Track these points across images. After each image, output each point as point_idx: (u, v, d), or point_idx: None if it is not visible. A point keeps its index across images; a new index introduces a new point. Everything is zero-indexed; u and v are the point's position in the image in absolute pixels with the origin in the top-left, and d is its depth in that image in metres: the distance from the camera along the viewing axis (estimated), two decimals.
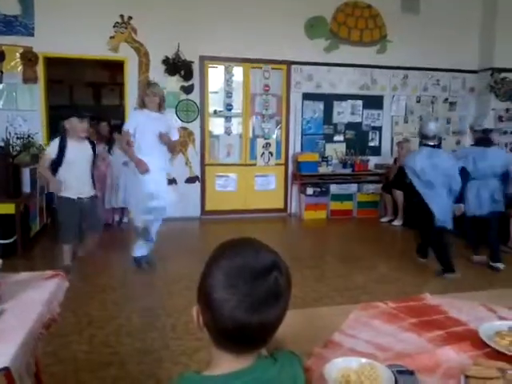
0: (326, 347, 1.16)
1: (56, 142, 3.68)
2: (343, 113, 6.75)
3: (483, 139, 4.37)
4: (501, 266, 4.24)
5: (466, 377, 0.97)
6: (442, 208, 3.91)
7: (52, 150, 3.68)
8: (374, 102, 6.92)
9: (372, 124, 6.99)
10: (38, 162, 3.46)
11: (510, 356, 1.07)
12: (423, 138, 4.18)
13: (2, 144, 4.97)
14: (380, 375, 0.95)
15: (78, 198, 3.72)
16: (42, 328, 1.30)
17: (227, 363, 0.83)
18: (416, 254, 4.46)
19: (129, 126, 3.98)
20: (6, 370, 0.95)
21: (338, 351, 1.13)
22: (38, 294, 1.42)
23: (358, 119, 6.81)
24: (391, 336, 1.22)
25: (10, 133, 4.90)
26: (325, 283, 3.87)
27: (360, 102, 6.89)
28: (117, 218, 6.01)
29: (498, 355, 1.09)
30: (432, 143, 4.11)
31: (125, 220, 5.93)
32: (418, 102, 7.15)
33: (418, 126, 5.55)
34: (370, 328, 1.27)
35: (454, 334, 1.23)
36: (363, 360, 1.01)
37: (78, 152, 3.73)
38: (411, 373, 0.97)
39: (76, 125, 3.70)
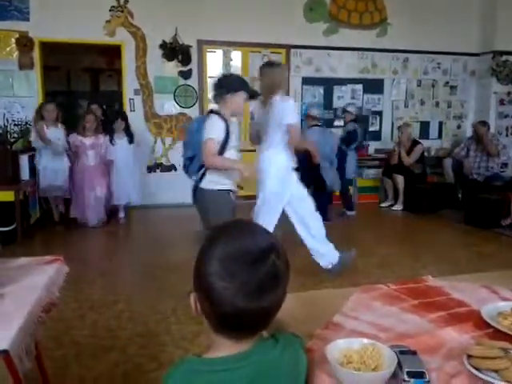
0: (327, 329, 1.15)
1: (221, 124, 2.67)
2: (343, 97, 6.70)
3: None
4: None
5: (469, 356, 0.96)
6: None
7: (220, 133, 2.68)
8: (374, 86, 6.86)
9: (372, 108, 6.93)
10: (204, 150, 2.60)
11: None
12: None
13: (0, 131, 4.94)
14: (382, 355, 0.94)
15: (233, 192, 2.88)
16: (42, 312, 1.30)
17: (227, 347, 0.82)
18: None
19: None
20: (5, 352, 0.94)
21: (340, 332, 1.12)
22: (37, 279, 1.42)
23: (358, 104, 6.74)
24: (393, 317, 1.21)
25: (7, 119, 4.87)
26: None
27: (360, 87, 6.83)
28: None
29: (500, 335, 1.08)
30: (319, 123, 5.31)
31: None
32: (419, 85, 7.09)
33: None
34: (371, 309, 1.26)
35: (456, 315, 1.22)
36: (365, 340, 1.00)
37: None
38: (413, 353, 0.96)
39: (240, 103, 2.84)
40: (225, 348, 0.83)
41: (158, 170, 6.24)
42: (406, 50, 6.85)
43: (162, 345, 2.47)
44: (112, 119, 5.50)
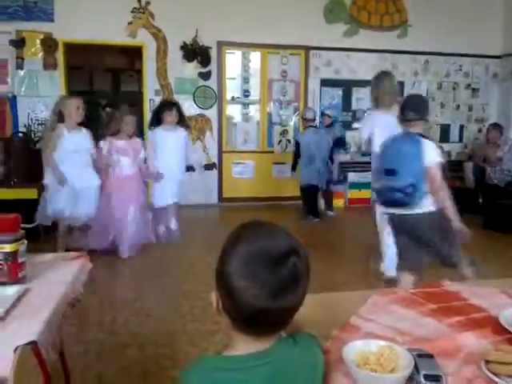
0: (344, 330, 1.17)
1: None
2: (363, 99, 6.65)
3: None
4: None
5: (487, 362, 0.97)
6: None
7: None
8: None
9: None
10: (435, 175, 2.50)
11: None
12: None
13: (24, 130, 5.07)
14: (399, 358, 0.95)
15: None
16: (67, 307, 1.34)
17: (247, 345, 0.84)
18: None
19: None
20: (34, 343, 0.98)
21: (356, 334, 1.13)
22: (61, 274, 1.46)
23: None
24: (410, 321, 1.22)
25: (31, 119, 4.99)
26: (343, 270, 3.86)
27: None
28: None
29: None
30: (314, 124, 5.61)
31: None
32: (440, 88, 7.01)
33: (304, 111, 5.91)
34: (388, 312, 1.27)
35: (475, 320, 1.22)
36: (382, 343, 1.01)
37: None
38: (431, 356, 0.97)
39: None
40: (244, 346, 0.84)
41: None
42: (427, 52, 6.78)
43: (178, 343, 2.51)
44: (158, 110, 4.55)
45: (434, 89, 6.99)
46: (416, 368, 0.92)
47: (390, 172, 2.56)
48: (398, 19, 6.69)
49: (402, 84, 6.83)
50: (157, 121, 4.45)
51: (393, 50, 6.68)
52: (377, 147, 3.13)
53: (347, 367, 0.94)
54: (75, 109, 3.82)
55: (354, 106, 6.76)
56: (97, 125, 4.52)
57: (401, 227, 2.69)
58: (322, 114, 6.07)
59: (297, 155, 5.56)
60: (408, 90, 6.87)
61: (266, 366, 0.82)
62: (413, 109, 2.61)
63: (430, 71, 6.91)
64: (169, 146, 4.36)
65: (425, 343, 1.08)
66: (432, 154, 2.53)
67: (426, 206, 2.57)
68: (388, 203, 2.66)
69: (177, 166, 4.52)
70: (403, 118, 2.64)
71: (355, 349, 0.98)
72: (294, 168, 5.68)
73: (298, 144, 5.55)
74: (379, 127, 3.31)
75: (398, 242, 2.80)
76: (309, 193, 5.60)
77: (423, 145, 2.52)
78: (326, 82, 6.59)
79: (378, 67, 6.70)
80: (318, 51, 6.51)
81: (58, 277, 1.44)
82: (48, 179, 3.86)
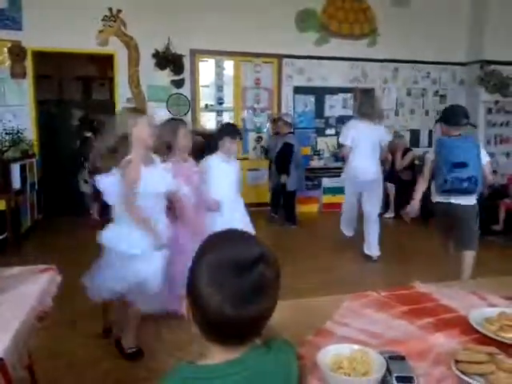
0: (319, 335, 1.17)
1: None
2: (335, 106, 6.77)
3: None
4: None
5: (456, 361, 0.99)
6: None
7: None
8: (365, 95, 6.93)
9: None
10: (489, 170, 3.21)
11: (499, 341, 1.09)
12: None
13: None
14: (372, 361, 0.96)
15: None
16: (35, 320, 1.30)
17: (220, 354, 0.83)
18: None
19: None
20: (0, 361, 0.95)
21: (331, 339, 1.14)
22: (30, 288, 1.42)
23: (349, 112, 6.81)
24: (382, 324, 1.24)
25: None
26: (317, 275, 3.89)
27: (351, 96, 6.90)
28: None
29: (487, 341, 1.11)
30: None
31: None
32: (409, 94, 7.19)
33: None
34: (361, 316, 1.28)
35: (445, 321, 1.25)
36: (355, 347, 1.02)
37: None
38: (402, 358, 0.98)
39: None
40: (218, 355, 0.84)
41: None
42: (396, 60, 6.96)
43: (154, 353, 2.47)
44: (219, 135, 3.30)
45: (403, 95, 7.16)
46: (388, 370, 0.93)
47: (461, 165, 3.06)
48: (368, 28, 6.84)
49: (372, 91, 6.99)
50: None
51: (363, 58, 6.82)
52: (360, 151, 4.12)
53: (321, 372, 0.94)
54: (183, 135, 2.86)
55: (326, 113, 6.85)
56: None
57: (449, 213, 3.24)
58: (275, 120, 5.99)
59: (288, 160, 5.50)
60: (378, 97, 7.02)
61: (241, 374, 0.81)
62: (465, 116, 3.22)
63: (398, 78, 7.08)
64: (226, 178, 3.30)
65: (397, 345, 1.10)
66: (485, 154, 3.15)
67: (475, 197, 3.17)
68: (454, 192, 3.11)
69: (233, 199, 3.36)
70: (457, 123, 3.17)
71: (329, 353, 0.99)
72: (288, 173, 5.53)
73: (292, 147, 5.48)
74: (363, 134, 4.10)
75: (440, 225, 3.54)
76: (291, 197, 5.61)
77: (480, 145, 3.18)
78: (298, 90, 6.66)
79: (348, 75, 6.85)
80: (290, 59, 6.58)
81: (26, 290, 1.40)
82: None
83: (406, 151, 6.28)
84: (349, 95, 6.89)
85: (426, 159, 3.41)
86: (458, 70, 7.30)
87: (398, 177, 6.11)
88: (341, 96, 6.88)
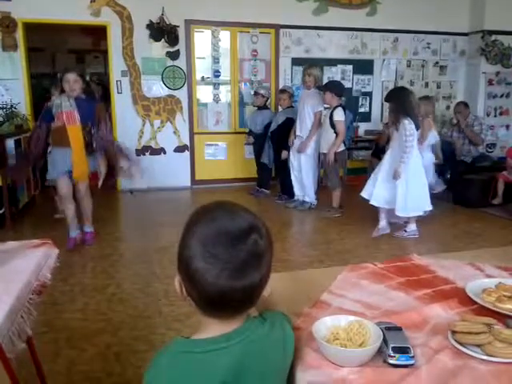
0: (315, 307, 1.17)
1: None
2: (333, 78, 6.64)
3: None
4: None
5: (453, 332, 0.99)
6: None
7: None
8: (364, 67, 6.82)
9: (362, 89, 6.91)
10: None
11: (496, 312, 1.09)
12: None
13: None
14: (368, 332, 0.96)
15: None
16: (32, 294, 1.29)
17: (216, 327, 0.83)
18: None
19: None
20: None
21: (327, 310, 1.14)
22: (25, 262, 1.41)
23: (348, 85, 6.70)
24: (379, 295, 1.23)
25: None
26: (315, 248, 3.91)
27: (350, 67, 6.79)
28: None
29: (484, 311, 1.11)
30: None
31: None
32: (409, 66, 7.06)
33: None
34: (358, 288, 1.28)
35: (442, 292, 1.25)
36: (351, 318, 1.01)
37: None
38: (399, 329, 0.98)
39: None
40: (213, 329, 0.83)
41: (147, 154, 6.18)
42: (396, 30, 6.80)
43: (153, 327, 2.49)
44: None
45: (403, 67, 7.04)
46: (385, 341, 0.93)
47: None
48: None
49: (371, 62, 6.86)
50: None
51: (362, 28, 6.66)
52: None
53: (318, 343, 0.94)
54: None
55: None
56: None
57: None
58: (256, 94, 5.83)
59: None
60: (377, 69, 6.91)
61: (236, 345, 0.81)
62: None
63: (398, 49, 6.94)
64: None
65: (393, 316, 1.10)
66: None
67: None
68: None
69: None
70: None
71: (325, 325, 0.99)
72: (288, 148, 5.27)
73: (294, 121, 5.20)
74: None
75: None
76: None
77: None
78: (296, 61, 6.53)
79: (347, 46, 6.71)
80: (288, 30, 6.43)
81: (21, 265, 1.38)
82: None
83: None
84: (348, 67, 6.77)
85: None
86: (459, 41, 7.16)
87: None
88: (340, 67, 6.76)
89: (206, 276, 0.77)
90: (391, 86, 6.97)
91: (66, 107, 3.49)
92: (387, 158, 4.10)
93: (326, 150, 4.76)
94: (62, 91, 3.56)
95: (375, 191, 4.05)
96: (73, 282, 3.10)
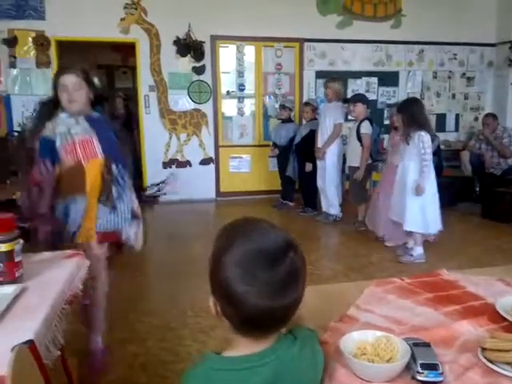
0: (342, 321, 1.17)
1: None
2: (358, 90, 6.63)
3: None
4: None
5: (483, 349, 0.97)
6: None
7: None
8: (389, 79, 6.79)
9: (387, 101, 6.87)
10: None
11: None
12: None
13: (19, 129, 5.05)
14: (396, 347, 0.95)
15: None
16: (65, 304, 1.34)
17: (248, 345, 0.83)
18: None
19: None
20: (31, 342, 0.98)
21: (354, 325, 1.14)
22: (58, 272, 1.46)
23: (373, 96, 6.68)
24: (407, 310, 1.22)
25: (26, 118, 4.97)
26: (340, 261, 3.88)
27: (375, 79, 6.77)
28: None
29: None
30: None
31: None
32: (435, 77, 6.99)
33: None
34: (385, 303, 1.27)
35: (471, 309, 1.23)
36: (379, 333, 1.01)
37: None
38: (427, 345, 0.98)
39: None
40: (245, 346, 0.83)
41: (173, 166, 6.29)
42: (422, 42, 6.76)
43: (180, 338, 2.52)
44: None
45: (429, 78, 6.97)
46: (413, 357, 0.92)
47: None
48: (392, 9, 6.66)
49: (396, 74, 6.83)
50: None
51: (387, 41, 6.65)
52: None
53: (345, 358, 0.94)
54: None
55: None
56: None
57: None
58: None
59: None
60: (403, 80, 6.87)
61: (269, 364, 0.81)
62: None
63: (424, 61, 6.89)
64: None
65: (422, 332, 1.09)
66: None
67: None
68: None
69: None
70: None
71: (352, 339, 0.99)
72: (314, 161, 5.29)
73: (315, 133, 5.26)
74: None
75: None
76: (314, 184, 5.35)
77: None
78: (320, 74, 6.56)
79: (372, 58, 6.70)
80: (312, 43, 6.48)
81: (55, 275, 1.44)
82: None
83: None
84: (372, 79, 6.76)
85: None
86: (487, 51, 7.05)
87: None
88: (364, 80, 6.75)
89: (247, 297, 0.77)
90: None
91: (78, 133, 2.12)
92: (399, 175, 3.82)
93: (353, 163, 4.74)
94: (55, 105, 2.14)
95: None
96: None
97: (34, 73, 5.71)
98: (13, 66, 5.62)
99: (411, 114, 3.72)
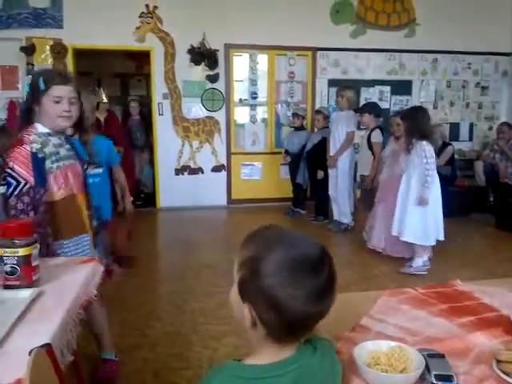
0: (355, 331, 1.17)
1: None
2: (370, 99, 6.62)
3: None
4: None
5: (498, 361, 0.96)
6: None
7: None
8: (402, 88, 6.77)
9: (400, 110, 6.84)
10: None
11: None
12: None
13: None
14: (410, 358, 0.95)
15: None
16: (80, 308, 1.36)
17: (272, 353, 0.83)
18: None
19: None
20: (48, 346, 1.00)
21: (367, 335, 1.14)
22: (74, 277, 1.48)
23: (385, 105, 6.66)
24: (420, 321, 1.22)
25: None
26: (351, 270, 3.85)
27: (388, 88, 6.76)
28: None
29: None
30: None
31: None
32: (449, 86, 6.96)
33: None
34: (398, 313, 1.27)
35: (486, 320, 1.22)
36: (393, 343, 1.01)
37: None
38: (442, 356, 0.97)
39: None
40: (268, 355, 0.83)
41: (185, 173, 6.33)
42: (435, 51, 6.74)
43: (190, 344, 2.52)
44: None
45: (442, 87, 6.94)
46: (427, 368, 0.92)
47: None
48: (406, 18, 6.66)
49: (409, 83, 6.81)
50: None
51: (400, 50, 6.64)
52: None
53: (358, 367, 0.94)
54: None
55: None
56: None
57: None
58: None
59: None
60: (416, 89, 6.84)
61: (291, 373, 0.81)
62: None
63: (438, 70, 6.86)
64: None
65: (436, 343, 1.08)
66: None
67: None
68: None
69: None
70: None
71: (366, 349, 0.99)
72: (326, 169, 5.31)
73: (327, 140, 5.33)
74: None
75: None
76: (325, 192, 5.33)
77: None
78: (333, 83, 6.56)
79: (385, 67, 6.70)
80: (325, 52, 6.50)
81: (70, 279, 1.46)
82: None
83: (444, 145, 6.00)
84: (385, 88, 6.75)
85: None
86: (502, 61, 7.00)
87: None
88: (377, 88, 6.74)
89: (290, 302, 0.77)
90: (430, 107, 6.89)
91: (67, 158, 1.82)
92: (402, 186, 3.74)
93: (364, 172, 4.73)
94: (27, 119, 1.78)
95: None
96: (111, 296, 3.19)
97: None
98: (30, 73, 5.72)
99: (415, 122, 3.63)
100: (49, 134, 1.77)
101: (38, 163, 1.68)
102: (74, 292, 1.36)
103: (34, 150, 1.69)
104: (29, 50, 5.68)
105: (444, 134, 6.25)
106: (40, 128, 1.75)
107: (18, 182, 1.65)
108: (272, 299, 0.77)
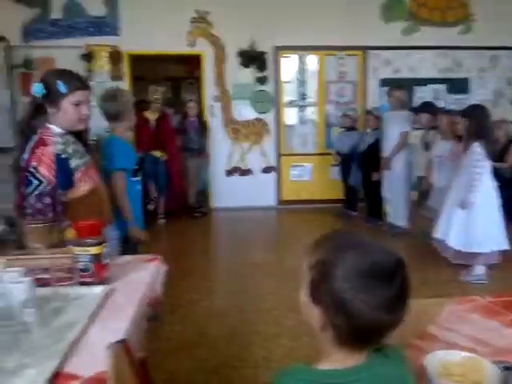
0: (421, 339, 1.15)
1: None
2: (425, 98, 6.41)
3: None
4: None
5: None
6: None
7: None
8: (458, 86, 6.51)
9: (458, 109, 6.57)
10: None
11: None
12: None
13: (95, 138, 5.37)
14: (484, 369, 0.92)
15: None
16: (147, 306, 1.42)
17: (342, 359, 0.82)
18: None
19: None
20: (124, 341, 1.05)
21: (435, 344, 1.11)
22: (141, 275, 1.55)
23: (441, 105, 6.41)
24: (492, 331, 1.18)
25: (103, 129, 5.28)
26: (411, 276, 3.73)
27: (443, 87, 6.52)
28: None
29: None
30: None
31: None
32: (509, 84, 6.61)
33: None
34: (467, 322, 1.23)
35: None
36: (464, 353, 0.98)
37: None
38: None
39: None
40: (338, 360, 0.83)
41: (235, 174, 6.42)
42: (494, 47, 6.42)
43: (247, 344, 2.56)
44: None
45: (502, 85, 6.60)
46: (505, 382, 0.89)
47: None
48: (461, 13, 6.40)
49: (466, 81, 6.54)
50: None
51: (456, 46, 6.39)
52: None
53: (428, 376, 0.93)
54: None
55: (415, 106, 6.51)
56: None
57: None
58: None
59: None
60: (474, 87, 6.55)
61: (362, 381, 0.80)
62: None
63: (498, 66, 6.53)
64: None
65: (508, 355, 1.04)
66: None
67: None
68: None
69: None
70: None
71: (437, 358, 0.97)
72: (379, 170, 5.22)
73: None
74: None
75: None
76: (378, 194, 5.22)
77: None
78: (385, 82, 6.41)
79: (439, 65, 6.47)
80: (376, 51, 6.37)
81: (138, 277, 1.53)
82: None
83: (509, 143, 5.54)
84: (440, 86, 6.51)
85: None
86: None
87: (496, 172, 5.49)
88: (431, 87, 6.52)
89: (362, 308, 0.77)
90: (489, 105, 6.55)
91: (86, 153, 1.94)
92: (454, 186, 3.65)
93: (421, 173, 4.59)
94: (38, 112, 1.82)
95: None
96: (171, 295, 3.28)
97: (108, 86, 6.06)
98: (90, 79, 6.00)
99: (475, 121, 3.50)
100: (65, 134, 1.83)
101: (62, 165, 1.75)
102: (141, 290, 1.43)
103: (58, 152, 1.76)
104: (88, 57, 5.97)
105: (509, 131, 5.82)
106: (56, 129, 1.81)
107: (40, 182, 1.71)
108: (342, 303, 0.78)
